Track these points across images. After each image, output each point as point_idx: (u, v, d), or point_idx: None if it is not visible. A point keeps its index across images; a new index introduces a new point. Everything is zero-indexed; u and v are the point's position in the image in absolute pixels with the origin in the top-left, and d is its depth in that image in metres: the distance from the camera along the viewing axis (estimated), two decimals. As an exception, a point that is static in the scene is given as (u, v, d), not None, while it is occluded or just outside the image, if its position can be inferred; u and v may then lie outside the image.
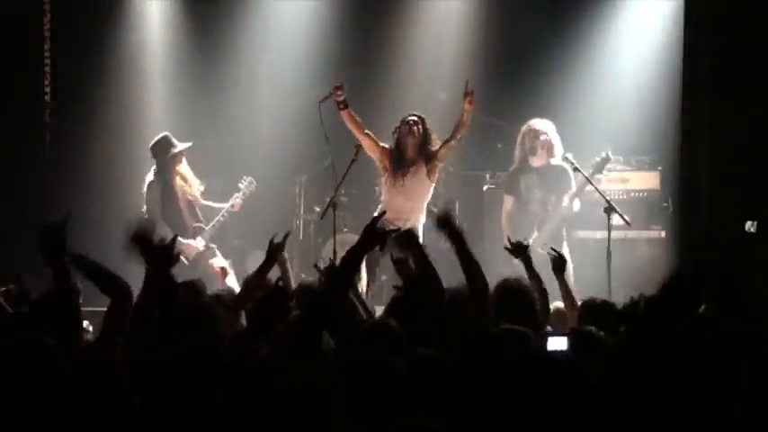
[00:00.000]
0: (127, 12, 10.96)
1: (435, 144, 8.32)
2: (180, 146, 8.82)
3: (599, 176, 8.96)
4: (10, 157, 10.11)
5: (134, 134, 10.43)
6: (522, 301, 5.07)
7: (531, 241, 7.51)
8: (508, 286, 5.28)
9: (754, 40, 9.18)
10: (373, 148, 8.21)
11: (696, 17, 9.46)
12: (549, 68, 10.61)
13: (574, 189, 8.90)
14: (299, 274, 8.69)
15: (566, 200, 8.81)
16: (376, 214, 4.73)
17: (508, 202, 8.94)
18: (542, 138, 8.82)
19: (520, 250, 5.96)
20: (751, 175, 9.15)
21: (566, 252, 8.60)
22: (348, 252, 4.31)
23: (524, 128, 8.97)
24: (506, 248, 6.09)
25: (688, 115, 9.59)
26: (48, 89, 10.47)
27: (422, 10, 10.92)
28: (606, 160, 8.99)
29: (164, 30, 11.10)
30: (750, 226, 8.11)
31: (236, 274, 8.86)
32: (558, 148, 8.94)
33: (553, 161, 8.89)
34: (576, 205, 9.04)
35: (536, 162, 8.84)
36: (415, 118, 8.30)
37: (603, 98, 10.54)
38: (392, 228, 5.65)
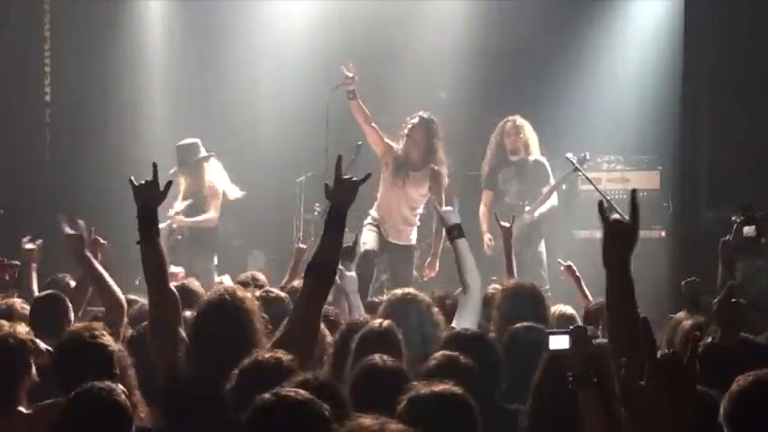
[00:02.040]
0: (127, 12, 11.03)
1: (441, 157, 8.33)
2: (205, 153, 8.96)
3: (573, 175, 9.14)
4: (10, 157, 10.17)
5: (134, 135, 10.50)
6: (534, 303, 5.14)
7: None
8: (520, 289, 5.38)
9: (754, 42, 9.32)
10: (378, 143, 8.19)
11: (697, 18, 9.58)
12: (550, 68, 10.66)
13: (552, 182, 9.05)
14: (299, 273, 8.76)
15: (538, 203, 8.97)
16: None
17: (487, 196, 9.09)
18: (521, 136, 9.00)
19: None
20: (751, 175, 9.26)
21: (542, 248, 8.80)
22: (329, 215, 4.24)
23: (503, 125, 9.10)
24: None
25: (688, 115, 9.73)
26: (48, 89, 10.59)
27: (423, 9, 10.94)
28: (582, 161, 9.08)
29: (163, 31, 11.15)
30: (749, 231, 8.15)
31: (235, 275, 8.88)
32: (535, 146, 9.11)
33: (530, 157, 9.05)
34: (554, 200, 9.17)
35: (514, 157, 9.01)
36: (416, 121, 8.27)
37: (604, 98, 10.56)
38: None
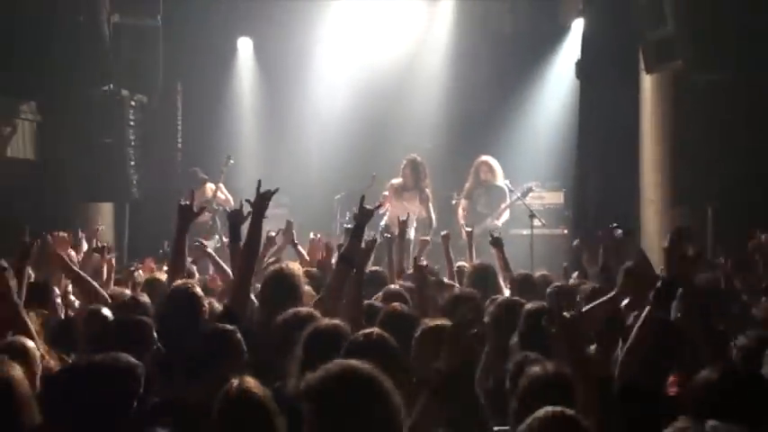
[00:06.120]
0: (230, 88, 13.83)
1: (426, 184, 11.10)
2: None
3: (523, 199, 11.64)
4: (156, 188, 11.86)
5: (233, 167, 12.43)
6: (490, 275, 6.77)
7: (477, 231, 9.18)
8: (481, 268, 7.06)
9: (629, 112, 10.70)
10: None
11: (588, 93, 11.11)
12: (498, 125, 12.87)
13: (508, 202, 11.48)
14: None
15: (497, 214, 11.59)
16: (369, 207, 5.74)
17: (464, 203, 11.65)
18: (489, 169, 11.74)
19: (496, 243, 7.75)
20: (621, 195, 10.72)
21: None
22: (354, 227, 5.53)
23: (478, 162, 11.71)
24: (491, 242, 7.88)
25: (582, 158, 11.37)
26: (179, 138, 13.34)
27: (416, 88, 13.07)
28: (529, 190, 11.80)
29: (252, 96, 13.95)
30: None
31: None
32: (500, 174, 11.70)
33: (495, 183, 11.68)
34: (506, 215, 11.68)
35: (486, 182, 11.64)
36: (404, 163, 11.08)
37: (529, 142, 12.98)
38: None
